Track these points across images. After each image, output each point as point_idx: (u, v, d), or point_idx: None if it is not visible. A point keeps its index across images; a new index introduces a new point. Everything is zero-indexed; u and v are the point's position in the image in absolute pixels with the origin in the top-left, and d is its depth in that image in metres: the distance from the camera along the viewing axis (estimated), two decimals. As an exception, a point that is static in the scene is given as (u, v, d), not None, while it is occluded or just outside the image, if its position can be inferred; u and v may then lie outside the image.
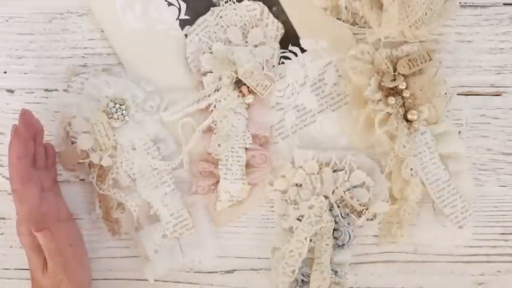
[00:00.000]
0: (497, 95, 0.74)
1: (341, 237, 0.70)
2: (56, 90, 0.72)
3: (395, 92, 0.71)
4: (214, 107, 0.71)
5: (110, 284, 0.73)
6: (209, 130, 0.72)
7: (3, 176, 0.73)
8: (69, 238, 0.67)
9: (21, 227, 0.65)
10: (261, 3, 0.73)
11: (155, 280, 0.71)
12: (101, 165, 0.70)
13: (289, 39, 0.73)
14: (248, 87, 0.71)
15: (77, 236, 0.70)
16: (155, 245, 0.70)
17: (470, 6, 0.74)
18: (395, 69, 0.71)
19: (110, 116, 0.70)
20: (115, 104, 0.70)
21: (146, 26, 0.73)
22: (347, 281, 0.71)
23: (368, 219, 0.71)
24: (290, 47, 0.73)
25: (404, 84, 0.70)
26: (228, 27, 0.72)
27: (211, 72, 0.71)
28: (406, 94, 0.70)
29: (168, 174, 0.71)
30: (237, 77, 0.71)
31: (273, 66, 0.73)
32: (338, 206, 0.70)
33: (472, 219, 0.71)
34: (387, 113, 0.70)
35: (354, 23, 0.73)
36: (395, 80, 0.70)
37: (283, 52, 0.73)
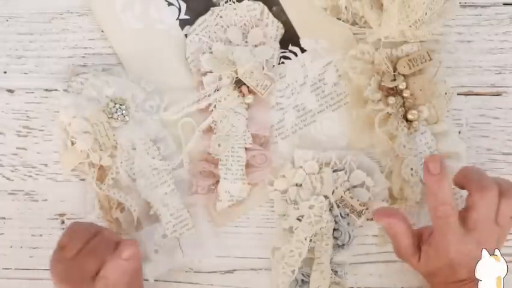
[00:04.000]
0: (497, 95, 0.74)
1: (341, 237, 0.70)
2: (56, 90, 0.72)
3: (395, 92, 0.71)
4: (214, 107, 0.71)
5: (110, 284, 0.73)
6: (209, 130, 0.72)
7: (3, 176, 0.73)
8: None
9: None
10: (261, 3, 0.73)
11: (155, 280, 0.71)
12: (101, 165, 0.70)
13: (289, 39, 0.73)
14: (248, 87, 0.71)
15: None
16: (155, 245, 0.70)
17: (470, 6, 0.74)
18: (395, 69, 0.71)
19: (110, 116, 0.70)
20: (115, 104, 0.70)
21: (146, 26, 0.73)
22: (347, 281, 0.71)
23: (368, 219, 0.71)
24: (290, 47, 0.73)
25: (404, 84, 0.70)
26: (228, 27, 0.72)
27: (211, 72, 0.71)
28: (406, 94, 0.70)
29: (168, 174, 0.71)
30: (237, 77, 0.71)
31: (273, 66, 0.72)
32: (338, 206, 0.70)
33: (472, 219, 0.71)
34: (387, 113, 0.70)
35: (354, 23, 0.73)
36: (395, 80, 0.70)
37: (283, 52, 0.73)
